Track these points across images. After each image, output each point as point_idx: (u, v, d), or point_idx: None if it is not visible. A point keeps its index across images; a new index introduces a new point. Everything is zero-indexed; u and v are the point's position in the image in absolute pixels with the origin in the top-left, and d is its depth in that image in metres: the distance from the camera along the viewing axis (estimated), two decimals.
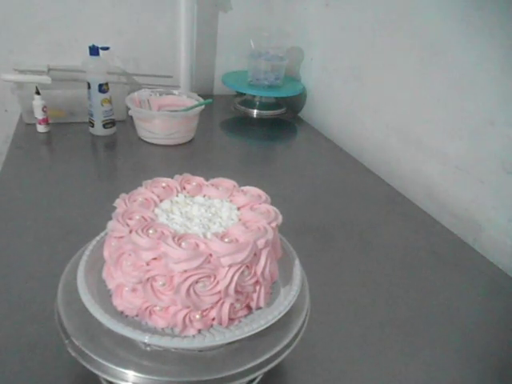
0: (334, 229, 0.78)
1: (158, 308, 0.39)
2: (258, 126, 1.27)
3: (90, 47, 0.95)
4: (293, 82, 1.35)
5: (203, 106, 1.04)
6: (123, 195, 0.45)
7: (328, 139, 1.16)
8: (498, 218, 0.75)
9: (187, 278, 0.37)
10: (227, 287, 0.38)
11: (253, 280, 0.40)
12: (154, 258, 0.38)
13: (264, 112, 1.30)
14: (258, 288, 0.41)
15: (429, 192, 0.89)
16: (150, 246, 0.38)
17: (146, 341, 0.37)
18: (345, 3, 1.12)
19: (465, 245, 0.77)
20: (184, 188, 0.48)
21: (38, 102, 0.96)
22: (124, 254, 0.40)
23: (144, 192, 0.46)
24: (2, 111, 1.22)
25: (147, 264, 0.38)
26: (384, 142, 1.02)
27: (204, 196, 0.48)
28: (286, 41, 1.28)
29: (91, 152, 0.99)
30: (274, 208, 0.45)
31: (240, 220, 0.44)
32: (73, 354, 0.38)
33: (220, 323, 0.40)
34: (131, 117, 1.03)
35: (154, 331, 0.39)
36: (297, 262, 0.47)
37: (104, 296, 0.42)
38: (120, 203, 0.44)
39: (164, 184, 0.48)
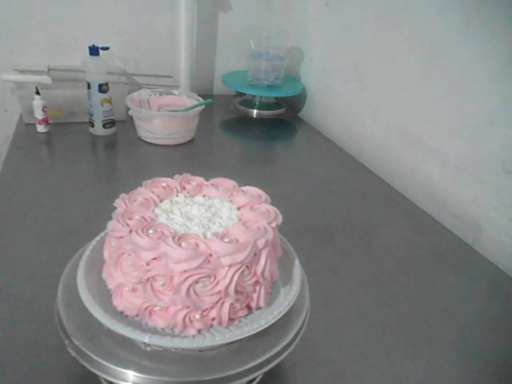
0: (333, 229, 0.78)
1: (158, 308, 0.39)
2: (258, 125, 1.27)
3: (89, 47, 0.95)
4: (293, 82, 1.35)
5: (203, 106, 1.04)
6: (123, 195, 0.45)
7: (328, 139, 1.16)
8: (498, 218, 0.75)
9: (187, 277, 0.37)
10: (227, 287, 0.38)
11: (253, 280, 0.40)
12: (154, 258, 0.38)
13: (264, 112, 1.30)
14: (258, 288, 0.41)
15: (429, 192, 0.89)
16: (150, 246, 0.38)
17: (146, 341, 0.37)
18: (345, 3, 1.12)
19: (465, 245, 0.77)
20: (184, 188, 0.48)
21: (37, 102, 0.96)
22: (124, 254, 0.40)
23: (144, 192, 0.46)
24: (2, 111, 1.22)
25: (147, 264, 0.38)
26: (384, 142, 1.02)
27: (204, 196, 0.48)
28: (286, 41, 1.28)
29: (91, 152, 0.99)
30: (274, 208, 0.45)
31: (240, 220, 0.44)
32: (73, 354, 0.38)
33: (220, 323, 0.40)
34: (131, 117, 1.03)
35: (154, 331, 0.39)
36: (297, 262, 0.47)
37: (104, 296, 0.42)
38: (120, 203, 0.44)
39: (164, 184, 0.48)
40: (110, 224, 0.42)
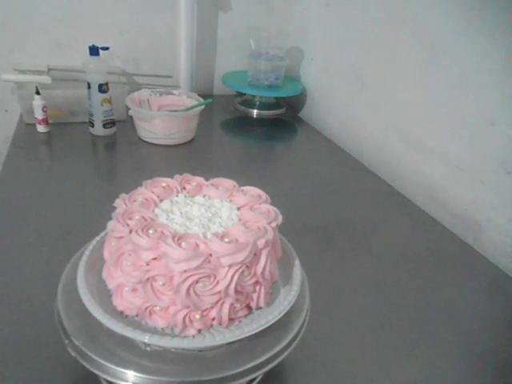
0: (334, 229, 0.77)
1: (158, 308, 0.39)
2: (258, 126, 1.27)
3: (89, 47, 0.95)
4: (293, 81, 1.35)
5: (203, 106, 1.04)
6: (123, 195, 0.45)
7: (328, 139, 1.16)
8: (498, 218, 0.75)
9: (187, 277, 0.37)
10: (227, 287, 0.38)
11: (253, 280, 0.40)
12: (154, 258, 0.38)
13: (264, 112, 1.30)
14: (258, 288, 0.41)
15: (429, 192, 0.89)
16: (150, 246, 0.38)
17: (146, 341, 0.37)
18: (345, 3, 1.12)
19: (465, 245, 0.77)
20: (184, 188, 0.48)
21: (38, 102, 0.96)
22: (124, 254, 0.40)
23: (144, 192, 0.46)
24: (2, 111, 1.22)
25: (147, 264, 0.38)
26: (384, 142, 1.02)
27: (204, 196, 0.48)
28: (286, 41, 1.27)
29: (91, 152, 0.99)
30: (274, 208, 0.45)
31: (240, 220, 0.44)
32: (73, 354, 0.38)
33: (220, 323, 0.40)
34: (131, 117, 1.03)
35: (154, 331, 0.39)
36: (297, 262, 0.47)
37: (104, 296, 0.42)
38: (120, 203, 0.44)
39: (164, 184, 0.48)
40: (110, 224, 0.42)
